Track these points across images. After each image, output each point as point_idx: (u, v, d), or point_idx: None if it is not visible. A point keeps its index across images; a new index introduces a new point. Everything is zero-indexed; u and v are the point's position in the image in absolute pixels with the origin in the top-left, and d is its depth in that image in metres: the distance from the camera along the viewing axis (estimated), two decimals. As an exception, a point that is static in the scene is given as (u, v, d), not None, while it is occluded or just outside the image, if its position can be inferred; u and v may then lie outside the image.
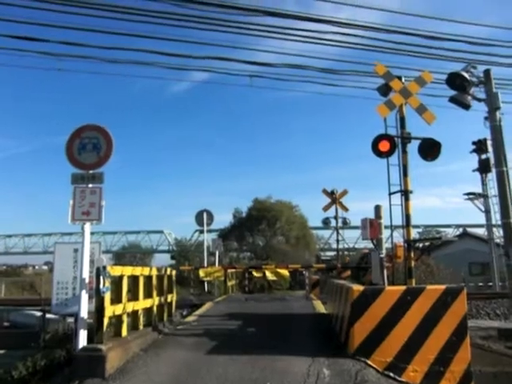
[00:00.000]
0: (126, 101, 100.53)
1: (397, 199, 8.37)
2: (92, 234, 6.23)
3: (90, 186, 6.16)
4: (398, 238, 10.47)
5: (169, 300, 9.25)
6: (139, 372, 5.48)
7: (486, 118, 10.50)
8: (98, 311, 5.70)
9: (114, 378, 5.24)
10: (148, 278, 7.79)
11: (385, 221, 9.61)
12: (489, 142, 15.16)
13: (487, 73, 10.26)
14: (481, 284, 23.38)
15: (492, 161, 14.24)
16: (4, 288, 25.69)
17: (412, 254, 8.18)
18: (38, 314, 9.92)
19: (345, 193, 19.12)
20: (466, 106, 10.02)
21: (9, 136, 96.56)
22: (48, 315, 9.18)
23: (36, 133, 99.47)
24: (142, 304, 7.29)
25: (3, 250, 58.88)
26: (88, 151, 6.30)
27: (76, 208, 6.06)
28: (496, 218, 17.47)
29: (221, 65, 13.24)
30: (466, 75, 9.62)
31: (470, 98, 9.94)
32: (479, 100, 10.22)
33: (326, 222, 19.70)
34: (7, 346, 8.75)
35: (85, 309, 5.89)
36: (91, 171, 6.22)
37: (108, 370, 5.30)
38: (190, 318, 9.88)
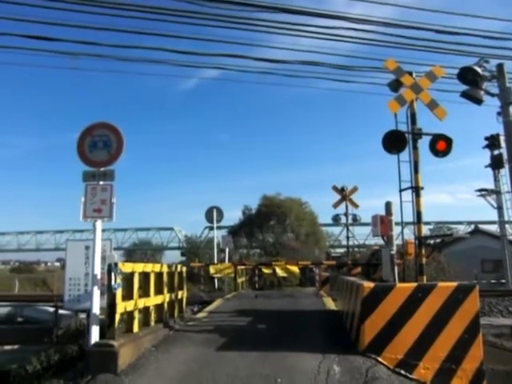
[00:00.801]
0: (137, 98, 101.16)
1: (408, 196, 8.31)
2: (103, 230, 6.29)
3: (101, 183, 6.21)
4: (409, 234, 10.40)
5: (179, 296, 9.30)
6: (151, 368, 5.53)
7: (498, 113, 10.35)
8: (110, 307, 5.76)
9: (126, 373, 5.30)
10: (159, 275, 7.84)
11: (395, 217, 9.54)
12: (501, 138, 14.92)
13: (500, 67, 10.11)
14: (493, 281, 23.10)
15: (505, 156, 14.05)
16: (18, 284, 26.09)
17: (423, 251, 8.11)
18: (51, 309, 10.04)
19: (355, 190, 19.01)
20: (479, 101, 9.88)
21: (16, 133, 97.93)
22: (60, 311, 9.29)
23: (45, 131, 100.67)
24: (153, 300, 7.35)
25: (16, 246, 59.73)
26: (99, 149, 6.34)
27: (87, 205, 6.12)
28: (509, 214, 17.31)
29: (233, 62, 13.30)
30: (479, 70, 9.48)
31: (482, 92, 9.80)
32: (492, 95, 10.08)
33: (336, 219, 19.61)
34: (21, 341, 8.88)
35: (97, 305, 5.95)
36: (102, 169, 6.27)
37: (120, 366, 5.36)
38: (201, 315, 9.93)
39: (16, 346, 8.75)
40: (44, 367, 6.01)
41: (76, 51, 12.01)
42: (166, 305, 8.09)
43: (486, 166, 18.74)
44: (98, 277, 6.03)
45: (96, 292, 5.97)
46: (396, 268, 9.11)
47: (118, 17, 11.34)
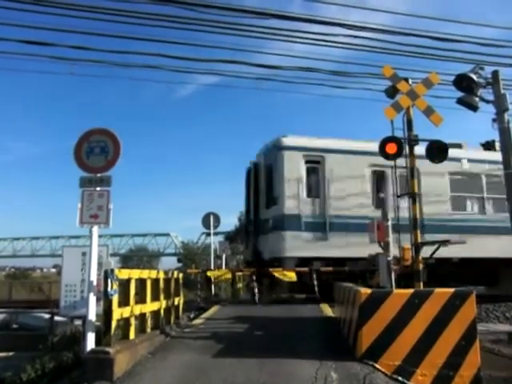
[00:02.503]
0: (134, 105, 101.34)
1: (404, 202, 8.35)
2: (99, 236, 6.26)
3: (98, 189, 6.19)
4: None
5: (176, 303, 9.26)
6: (147, 375, 5.49)
7: (493, 120, 10.38)
8: (106, 314, 5.73)
9: (122, 380, 5.26)
10: (155, 281, 7.81)
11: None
12: (497, 144, 14.98)
13: (495, 74, 10.14)
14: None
15: (500, 163, 14.08)
16: (13, 290, 25.90)
17: (420, 257, 8.11)
18: (47, 316, 9.97)
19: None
20: (474, 108, 9.92)
21: (12, 139, 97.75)
22: (56, 318, 9.23)
23: (41, 136, 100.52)
24: (149, 307, 7.31)
25: (11, 252, 59.36)
26: (96, 155, 6.34)
27: (84, 211, 6.10)
28: (505, 220, 17.30)
29: (228, 68, 13.38)
30: (474, 76, 9.54)
31: (477, 99, 9.85)
32: (487, 101, 10.11)
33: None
34: (16, 348, 8.81)
35: (93, 311, 5.91)
36: (99, 174, 6.26)
37: (116, 373, 5.31)
38: (197, 321, 9.88)
39: (11, 353, 8.67)
40: (39, 375, 5.96)
41: (72, 57, 12.05)
42: (162, 311, 8.05)
43: (482, 172, 18.80)
44: (95, 283, 5.99)
45: (92, 298, 5.93)
46: (393, 274, 9.09)
47: (115, 22, 11.38)
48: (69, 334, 8.02)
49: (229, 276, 15.93)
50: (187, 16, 11.36)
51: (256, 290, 13.51)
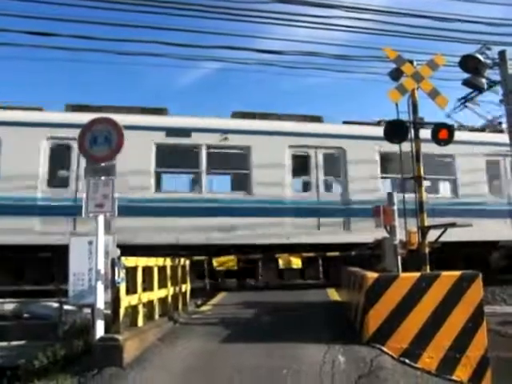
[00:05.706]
0: (136, 92, 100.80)
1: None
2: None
3: (103, 178, 6.19)
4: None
5: (183, 290, 9.33)
6: (156, 361, 5.57)
7: (501, 101, 10.23)
8: (114, 302, 5.78)
9: (132, 366, 5.33)
10: (162, 269, 7.86)
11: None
12: (504, 126, 14.79)
13: (502, 54, 9.96)
14: (496, 269, 23.03)
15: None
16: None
17: (426, 241, 8.09)
18: (56, 305, 10.06)
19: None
20: (481, 89, 9.79)
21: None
22: (65, 306, 9.32)
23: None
24: (156, 294, 7.37)
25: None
26: (100, 144, 6.32)
27: (90, 201, 6.11)
28: (512, 202, 17.16)
29: (232, 54, 13.26)
30: (480, 57, 9.37)
31: (484, 80, 9.69)
32: (494, 82, 9.96)
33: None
34: (27, 337, 8.91)
35: (101, 299, 5.96)
36: (103, 164, 6.26)
37: (125, 359, 5.38)
38: (205, 308, 9.96)
39: (23, 342, 8.79)
40: (51, 362, 6.04)
41: (74, 46, 11.99)
42: (169, 298, 8.12)
43: (489, 155, 18.58)
44: (102, 272, 6.03)
45: (100, 287, 5.97)
46: (399, 258, 9.09)
47: (116, 10, 11.27)
48: (78, 323, 8.10)
49: (234, 263, 15.99)
50: (187, 2, 11.24)
51: (260, 277, 13.58)
